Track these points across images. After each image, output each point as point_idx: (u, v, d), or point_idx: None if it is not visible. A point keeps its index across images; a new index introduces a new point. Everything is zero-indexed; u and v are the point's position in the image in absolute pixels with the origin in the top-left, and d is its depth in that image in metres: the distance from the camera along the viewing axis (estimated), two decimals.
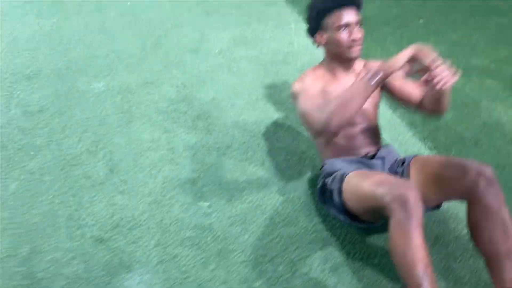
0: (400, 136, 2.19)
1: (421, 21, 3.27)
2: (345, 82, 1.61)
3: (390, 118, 2.30)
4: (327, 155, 1.77)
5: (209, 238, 1.65)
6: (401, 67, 1.37)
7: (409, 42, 1.42)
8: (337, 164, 1.69)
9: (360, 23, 1.61)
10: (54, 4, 3.09)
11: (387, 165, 1.69)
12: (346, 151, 1.72)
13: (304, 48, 2.79)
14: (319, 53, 1.76)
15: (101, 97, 2.28)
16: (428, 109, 1.65)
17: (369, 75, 1.39)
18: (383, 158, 1.71)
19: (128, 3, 3.18)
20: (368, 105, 1.68)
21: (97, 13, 3.03)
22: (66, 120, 2.12)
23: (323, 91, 1.62)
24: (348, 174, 1.58)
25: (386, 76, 1.39)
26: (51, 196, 1.76)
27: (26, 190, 1.77)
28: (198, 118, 2.19)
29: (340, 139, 1.71)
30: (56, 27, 2.85)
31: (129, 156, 1.97)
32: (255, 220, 1.72)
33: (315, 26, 1.66)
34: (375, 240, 1.65)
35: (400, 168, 1.65)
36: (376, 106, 1.78)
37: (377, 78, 1.38)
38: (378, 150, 1.75)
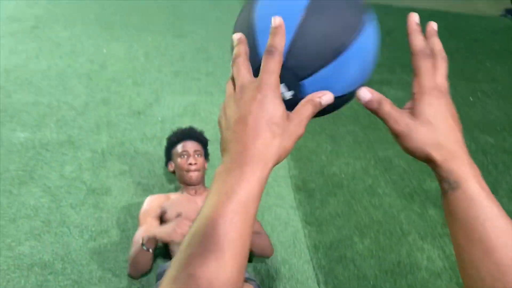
0: (287, 247, 2.02)
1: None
2: (185, 200, 1.90)
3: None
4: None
5: None
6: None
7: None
8: (162, 270, 1.69)
9: (200, 153, 2.02)
10: (34, 38, 3.20)
11: None
12: None
13: None
14: None
15: (14, 148, 2.30)
16: None
17: (145, 238, 1.63)
18: None
19: (104, 51, 3.24)
20: None
21: (69, 55, 3.11)
22: None
23: (152, 210, 1.88)
24: None
25: (160, 240, 1.65)
26: None
27: None
28: (93, 193, 2.14)
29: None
30: (23, 64, 2.94)
31: (1, 220, 1.94)
32: None
33: (167, 157, 2.12)
34: None
35: None
36: None
37: (149, 243, 1.64)
38: None
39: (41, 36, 3.25)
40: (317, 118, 0.68)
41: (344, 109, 2.45)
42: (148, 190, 2.18)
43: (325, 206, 2.33)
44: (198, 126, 2.61)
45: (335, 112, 0.61)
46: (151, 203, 1.91)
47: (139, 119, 2.68)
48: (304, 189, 2.40)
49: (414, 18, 0.54)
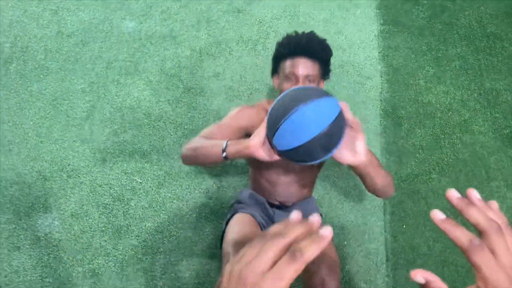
0: None
1: None
2: None
3: None
4: (249, 184, 1.83)
5: (120, 212, 1.90)
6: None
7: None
8: (244, 197, 1.77)
9: (313, 78, 1.48)
10: None
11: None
12: (263, 190, 1.76)
13: (347, 45, 2.58)
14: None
15: (123, 38, 2.47)
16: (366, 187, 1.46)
17: (231, 148, 1.27)
18: (289, 212, 1.72)
19: None
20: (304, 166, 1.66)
21: None
22: (83, 52, 2.39)
23: (236, 129, 1.55)
24: (239, 212, 1.66)
25: (244, 156, 1.24)
26: (31, 122, 2.12)
27: (18, 109, 2.15)
28: (188, 92, 2.30)
29: (263, 180, 1.74)
30: None
31: (110, 107, 2.21)
32: (169, 211, 1.91)
33: (274, 68, 1.63)
34: None
35: None
36: (315, 167, 1.74)
37: (233, 155, 1.28)
38: (294, 203, 1.74)
39: None
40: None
41: (459, 26, 2.27)
42: (237, 96, 2.29)
43: (410, 137, 2.28)
44: (295, 29, 2.57)
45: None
46: (232, 120, 1.59)
47: (237, 17, 2.67)
48: (392, 116, 2.34)
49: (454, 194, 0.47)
